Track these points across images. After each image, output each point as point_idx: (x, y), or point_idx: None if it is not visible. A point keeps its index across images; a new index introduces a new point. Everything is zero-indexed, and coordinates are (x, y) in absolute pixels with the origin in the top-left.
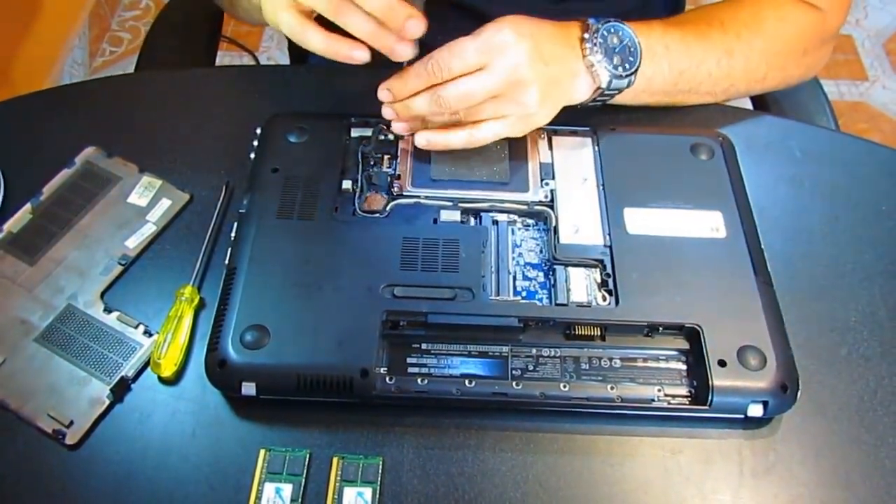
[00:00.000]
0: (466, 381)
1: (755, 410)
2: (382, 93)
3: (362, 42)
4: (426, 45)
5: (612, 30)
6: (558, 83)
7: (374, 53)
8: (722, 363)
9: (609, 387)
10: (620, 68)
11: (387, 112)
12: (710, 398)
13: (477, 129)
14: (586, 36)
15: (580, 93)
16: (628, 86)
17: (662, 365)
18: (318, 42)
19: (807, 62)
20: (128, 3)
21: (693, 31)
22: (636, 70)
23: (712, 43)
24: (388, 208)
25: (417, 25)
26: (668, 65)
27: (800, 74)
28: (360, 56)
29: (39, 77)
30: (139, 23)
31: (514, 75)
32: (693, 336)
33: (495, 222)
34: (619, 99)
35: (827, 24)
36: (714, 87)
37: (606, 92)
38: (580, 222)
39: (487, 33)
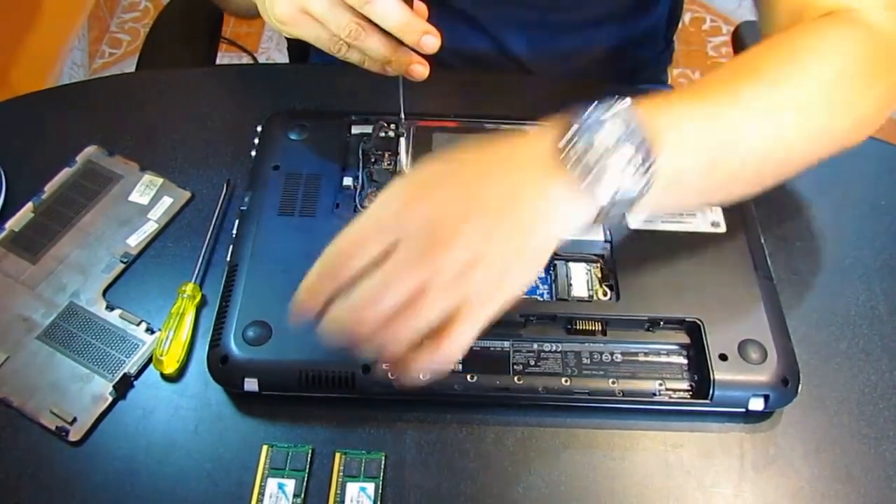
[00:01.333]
0: (468, 377)
1: (756, 404)
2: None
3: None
4: None
5: (599, 124)
6: (514, 231)
7: None
8: (723, 357)
9: (610, 381)
10: (628, 170)
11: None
12: (711, 392)
13: (439, 347)
14: (562, 146)
15: (571, 222)
16: (646, 188)
17: (663, 359)
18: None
19: (878, 93)
20: (127, 5)
21: (720, 94)
22: (651, 165)
23: (748, 103)
24: None
25: (434, 41)
26: (696, 150)
27: (874, 112)
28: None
29: (39, 79)
30: (138, 24)
31: (421, 249)
32: (694, 330)
33: None
34: (639, 208)
35: (887, 35)
36: (762, 164)
37: (614, 208)
38: None
39: (374, 205)
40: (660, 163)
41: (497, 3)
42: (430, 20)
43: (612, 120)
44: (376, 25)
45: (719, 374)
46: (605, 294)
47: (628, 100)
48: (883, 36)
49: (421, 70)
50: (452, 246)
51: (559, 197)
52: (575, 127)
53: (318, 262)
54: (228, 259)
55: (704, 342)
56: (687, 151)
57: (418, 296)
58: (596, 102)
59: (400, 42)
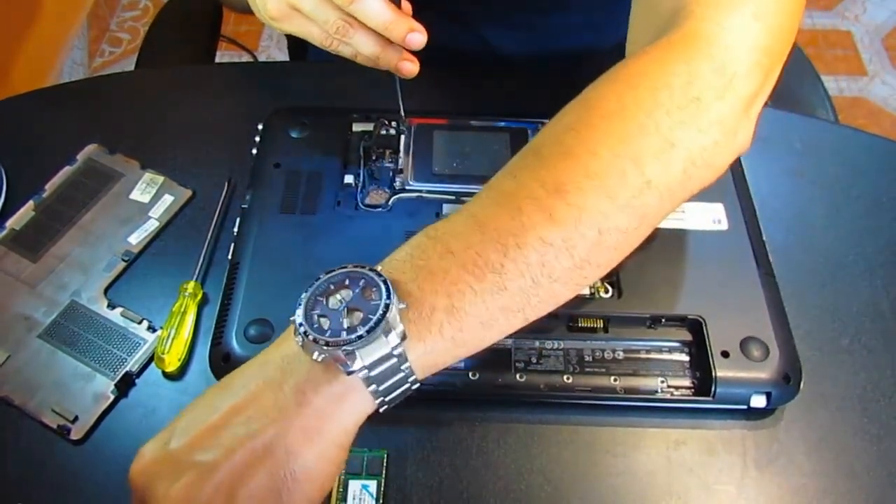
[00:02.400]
0: (470, 374)
1: (758, 401)
2: None
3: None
4: None
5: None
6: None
7: None
8: (725, 354)
9: (612, 378)
10: (357, 330)
11: None
12: (713, 389)
13: None
14: (300, 341)
15: (348, 417)
16: (399, 359)
17: (665, 356)
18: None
19: (717, 115)
20: (127, 4)
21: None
22: (380, 319)
23: (507, 224)
24: (390, 202)
25: (419, 37)
26: (463, 345)
27: (718, 138)
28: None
29: (39, 78)
30: (138, 23)
31: None
32: (696, 327)
33: None
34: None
35: (710, 47)
36: (571, 286)
37: (383, 384)
38: None
39: None
40: (420, 372)
41: (485, 5)
42: (417, 19)
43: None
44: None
45: (721, 371)
46: (606, 291)
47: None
48: (713, 56)
49: (410, 67)
50: None
51: (284, 397)
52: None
53: None
54: (230, 257)
55: (706, 339)
56: (453, 355)
57: None
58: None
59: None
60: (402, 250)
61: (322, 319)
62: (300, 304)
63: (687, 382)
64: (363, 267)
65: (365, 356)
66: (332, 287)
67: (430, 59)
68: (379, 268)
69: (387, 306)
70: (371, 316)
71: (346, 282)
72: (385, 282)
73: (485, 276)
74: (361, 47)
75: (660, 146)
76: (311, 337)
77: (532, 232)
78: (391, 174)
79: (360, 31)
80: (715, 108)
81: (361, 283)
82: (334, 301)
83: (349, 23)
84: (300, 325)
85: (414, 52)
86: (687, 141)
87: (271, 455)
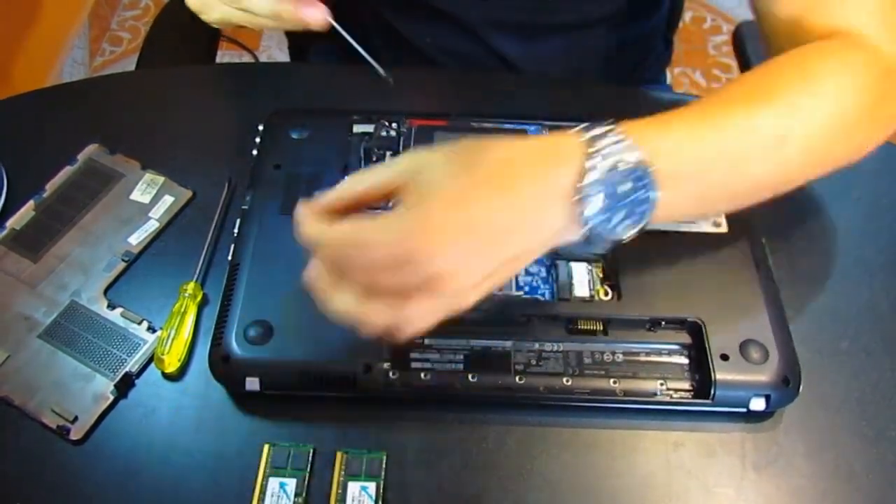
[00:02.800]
0: (469, 376)
1: (757, 404)
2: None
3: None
4: (412, 44)
5: (614, 167)
6: (498, 259)
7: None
8: (724, 357)
9: (612, 381)
10: (620, 226)
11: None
12: (712, 392)
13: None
14: (581, 187)
15: (552, 246)
16: (639, 228)
17: (665, 359)
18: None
19: (879, 118)
20: (128, 3)
21: (732, 118)
22: (649, 208)
23: (760, 130)
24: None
25: None
26: (696, 184)
27: (874, 137)
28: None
29: (40, 77)
30: (139, 22)
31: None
32: (695, 330)
33: None
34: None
35: (888, 60)
36: (760, 189)
37: (604, 243)
38: None
39: (377, 232)
40: (659, 205)
41: (483, 5)
42: (417, 22)
43: (623, 159)
44: None
45: (721, 373)
46: (606, 294)
47: (629, 139)
48: (884, 61)
49: (312, 13)
50: (435, 265)
51: (555, 231)
52: (594, 163)
53: (330, 234)
54: (230, 258)
55: (706, 342)
56: (687, 187)
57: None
58: (605, 131)
59: None
60: (662, 127)
61: (602, 182)
62: (605, 158)
63: (686, 385)
64: (638, 150)
65: (621, 226)
66: (611, 150)
67: (431, 60)
68: (643, 149)
69: (651, 188)
70: (638, 211)
71: (620, 152)
72: (649, 171)
73: (729, 168)
74: (256, 8)
75: (870, 122)
76: (603, 204)
77: (773, 151)
78: None
79: None
80: (890, 108)
81: (632, 162)
82: (610, 170)
83: None
84: (597, 181)
85: (417, 57)
86: (877, 127)
87: (522, 260)
